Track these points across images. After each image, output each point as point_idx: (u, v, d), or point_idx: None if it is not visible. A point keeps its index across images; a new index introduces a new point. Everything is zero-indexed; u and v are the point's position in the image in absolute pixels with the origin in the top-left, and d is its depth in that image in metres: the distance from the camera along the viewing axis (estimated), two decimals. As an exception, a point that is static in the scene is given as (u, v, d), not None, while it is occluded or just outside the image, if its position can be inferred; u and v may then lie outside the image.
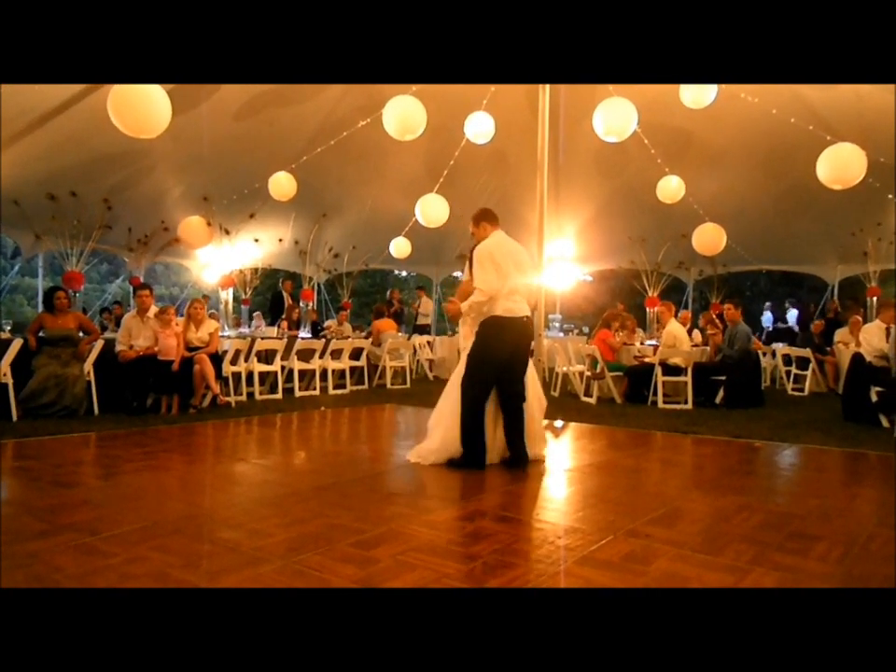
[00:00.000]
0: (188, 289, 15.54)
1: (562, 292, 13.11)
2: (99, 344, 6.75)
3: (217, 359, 7.27)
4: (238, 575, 2.51)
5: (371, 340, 10.49)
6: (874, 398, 6.72)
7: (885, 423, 6.47)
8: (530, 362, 4.81)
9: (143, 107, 5.65)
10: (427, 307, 14.40)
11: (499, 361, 4.49)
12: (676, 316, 9.41)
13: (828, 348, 10.13)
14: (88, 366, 6.58)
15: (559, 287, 12.51)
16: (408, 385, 10.24)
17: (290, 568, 2.60)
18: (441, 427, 4.67)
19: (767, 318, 15.84)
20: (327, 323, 12.48)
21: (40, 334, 6.53)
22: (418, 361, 12.10)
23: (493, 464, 4.58)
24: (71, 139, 8.32)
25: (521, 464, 4.52)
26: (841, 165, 6.35)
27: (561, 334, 11.86)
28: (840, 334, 9.93)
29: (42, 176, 8.94)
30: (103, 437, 5.54)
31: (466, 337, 4.89)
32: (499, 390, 4.58)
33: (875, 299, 11.78)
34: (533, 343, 5.15)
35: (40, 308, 7.79)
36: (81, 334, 6.81)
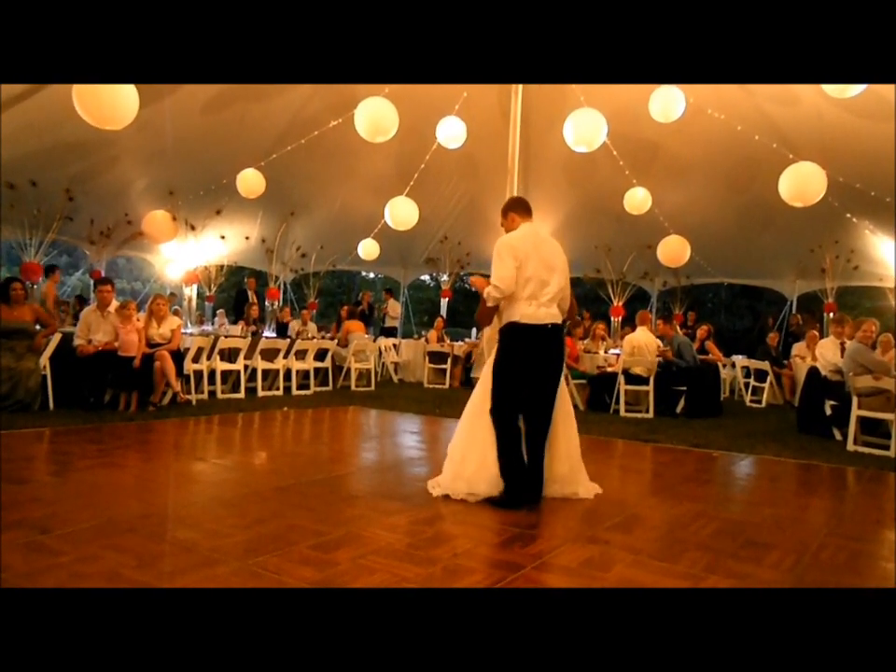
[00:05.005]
0: (150, 284, 15.25)
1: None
2: (56, 338, 6.58)
3: (178, 356, 7.15)
4: (193, 576, 2.47)
5: (338, 341, 10.43)
6: (828, 411, 6.89)
7: (837, 436, 6.63)
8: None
9: (110, 98, 5.54)
10: (394, 309, 14.36)
11: (523, 376, 3.85)
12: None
13: (785, 361, 10.37)
14: (44, 359, 6.42)
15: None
16: (372, 387, 10.20)
17: (247, 570, 2.56)
18: (473, 455, 3.95)
19: None
20: (291, 324, 12.30)
21: (-6, 326, 6.35)
22: (383, 364, 12.07)
23: (554, 498, 3.95)
24: (32, 126, 8.11)
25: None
26: (802, 183, 6.50)
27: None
28: (797, 348, 10.18)
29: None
30: (57, 432, 5.41)
31: (489, 339, 4.34)
32: (523, 412, 3.93)
33: (831, 314, 12.09)
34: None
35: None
36: (38, 327, 6.65)
